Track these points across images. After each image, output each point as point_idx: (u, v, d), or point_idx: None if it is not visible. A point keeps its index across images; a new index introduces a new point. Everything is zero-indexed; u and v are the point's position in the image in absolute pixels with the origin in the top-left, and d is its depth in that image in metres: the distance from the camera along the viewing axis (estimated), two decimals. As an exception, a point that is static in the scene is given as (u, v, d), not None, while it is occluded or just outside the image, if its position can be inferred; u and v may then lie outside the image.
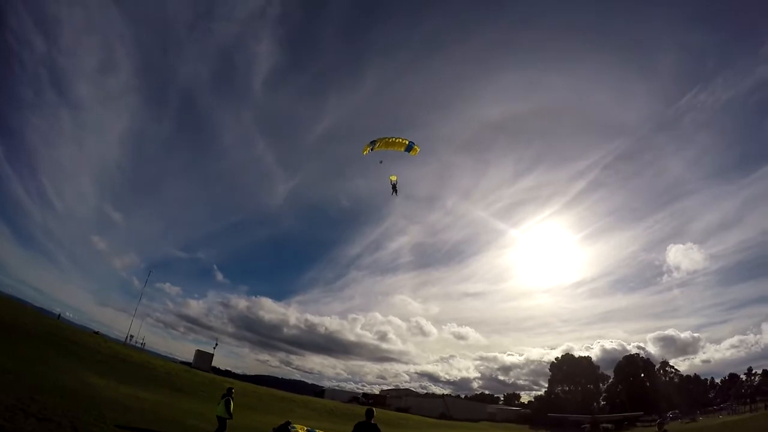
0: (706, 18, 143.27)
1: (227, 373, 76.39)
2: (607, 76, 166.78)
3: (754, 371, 77.43)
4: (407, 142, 22.73)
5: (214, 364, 63.50)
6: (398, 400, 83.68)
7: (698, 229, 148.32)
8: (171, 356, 73.85)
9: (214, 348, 65.96)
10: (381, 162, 23.37)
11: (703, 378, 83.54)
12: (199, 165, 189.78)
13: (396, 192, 23.75)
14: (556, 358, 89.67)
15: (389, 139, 22.59)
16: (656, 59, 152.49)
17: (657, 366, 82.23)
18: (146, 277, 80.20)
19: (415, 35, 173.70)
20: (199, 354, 61.38)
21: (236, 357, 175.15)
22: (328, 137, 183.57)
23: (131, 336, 63.07)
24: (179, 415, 17.64)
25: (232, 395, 14.13)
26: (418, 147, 22.99)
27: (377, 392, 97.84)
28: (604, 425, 60.76)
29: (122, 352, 35.86)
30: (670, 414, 59.72)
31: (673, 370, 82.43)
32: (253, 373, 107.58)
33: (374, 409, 8.09)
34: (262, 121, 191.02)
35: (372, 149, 22.61)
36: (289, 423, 17.33)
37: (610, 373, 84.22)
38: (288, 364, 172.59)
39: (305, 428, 23.04)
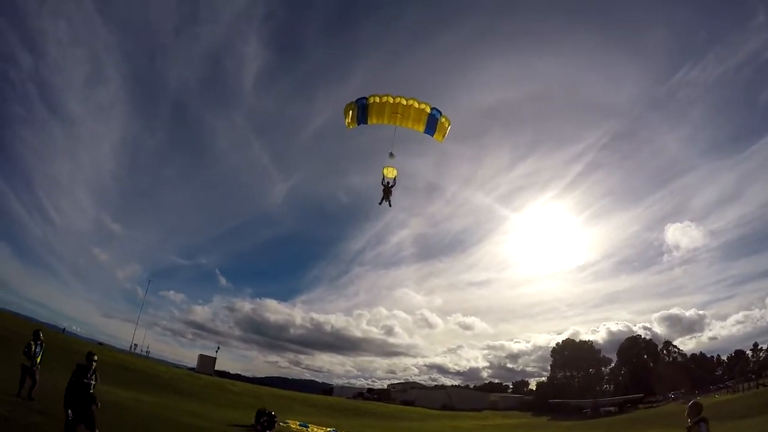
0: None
1: (237, 377, 77.73)
2: (596, 56, 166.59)
3: (759, 347, 77.64)
4: (429, 110, 14.53)
5: (223, 368, 65.32)
6: (403, 393, 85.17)
7: (698, 206, 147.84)
8: (180, 363, 75.31)
9: (217, 352, 67.67)
10: (392, 155, 15.67)
11: (709, 356, 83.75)
12: (195, 170, 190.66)
13: (389, 199, 16.27)
14: (557, 344, 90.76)
15: (392, 99, 14.42)
16: (646, 37, 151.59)
17: (660, 346, 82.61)
18: (147, 286, 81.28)
19: (399, 27, 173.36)
20: (202, 358, 62.97)
21: (245, 360, 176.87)
22: (321, 134, 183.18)
23: (135, 345, 64.66)
24: (175, 414, 18.96)
25: (40, 339, 13.57)
26: (448, 120, 15.13)
27: (385, 387, 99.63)
28: (606, 408, 61.88)
29: (126, 361, 37.28)
30: (671, 395, 60.37)
31: (676, 350, 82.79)
32: (262, 375, 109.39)
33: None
34: (255, 122, 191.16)
35: (361, 121, 15.07)
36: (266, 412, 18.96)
37: (616, 355, 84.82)
38: (297, 364, 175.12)
39: (297, 423, 24.57)
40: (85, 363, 9.01)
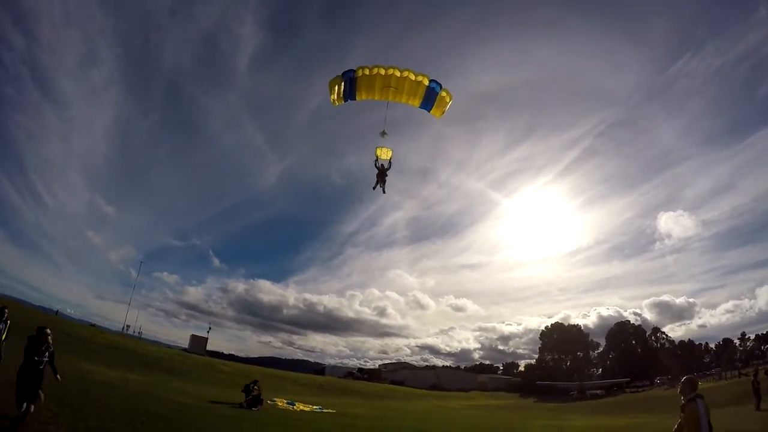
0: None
1: (230, 357, 78.51)
2: (596, 43, 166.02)
3: (747, 336, 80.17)
4: (427, 83, 13.17)
5: (217, 348, 66.00)
6: (393, 373, 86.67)
7: (692, 196, 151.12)
8: (173, 343, 75.90)
9: (208, 332, 68.48)
10: (384, 133, 14.47)
11: (697, 343, 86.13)
12: (188, 152, 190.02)
13: (383, 184, 14.94)
14: (546, 327, 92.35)
15: (383, 71, 12.93)
16: (646, 26, 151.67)
17: (649, 332, 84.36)
18: (139, 268, 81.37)
19: (398, 9, 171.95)
20: (194, 338, 63.65)
21: (239, 340, 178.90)
22: (316, 116, 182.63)
23: (128, 326, 65.07)
24: (162, 391, 19.33)
25: (5, 316, 13.12)
26: (449, 94, 13.72)
27: (376, 367, 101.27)
28: (592, 392, 63.32)
29: (117, 341, 37.61)
30: (657, 380, 61.48)
31: (664, 336, 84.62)
32: (256, 356, 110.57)
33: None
34: (249, 104, 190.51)
35: (349, 96, 13.73)
36: (255, 381, 20.14)
37: (604, 340, 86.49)
38: (290, 344, 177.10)
39: (285, 401, 25.14)
40: (36, 335, 8.59)
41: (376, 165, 15.11)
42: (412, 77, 12.94)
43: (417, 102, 13.70)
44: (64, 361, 21.59)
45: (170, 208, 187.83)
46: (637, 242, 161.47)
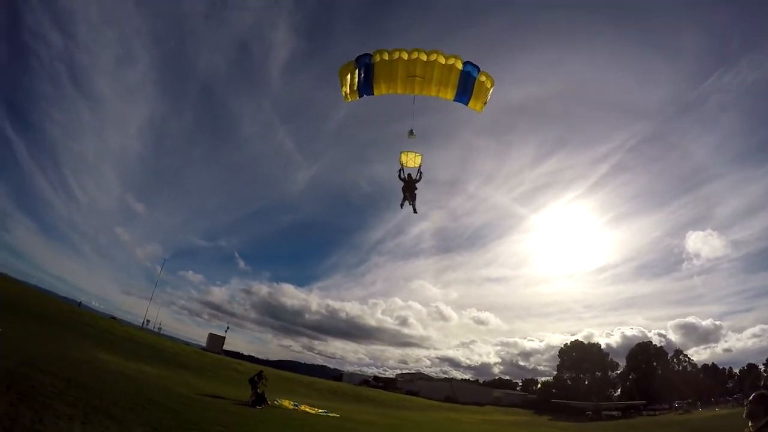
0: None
1: (250, 359, 79.72)
2: (628, 57, 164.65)
3: None
4: (461, 66, 10.82)
5: (237, 349, 67.36)
6: (409, 383, 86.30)
7: (723, 215, 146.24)
8: (194, 341, 77.70)
9: (226, 331, 69.75)
10: (412, 133, 11.98)
11: (721, 368, 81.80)
12: (220, 154, 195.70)
13: (413, 199, 12.41)
14: (565, 344, 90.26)
15: (406, 56, 10.68)
16: (679, 39, 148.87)
17: (671, 354, 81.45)
18: (162, 264, 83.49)
19: (430, 17, 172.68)
20: (212, 337, 65.08)
21: (260, 342, 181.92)
22: (347, 122, 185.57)
23: (148, 321, 66.91)
24: (172, 384, 19.97)
25: None
26: (489, 78, 11.22)
27: (393, 376, 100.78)
28: (607, 412, 61.53)
29: (136, 335, 38.97)
30: (676, 404, 59.45)
31: (686, 359, 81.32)
32: (276, 359, 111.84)
33: None
34: (280, 109, 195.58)
35: (365, 90, 11.40)
36: (261, 373, 20.76)
37: (625, 360, 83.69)
38: (311, 349, 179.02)
39: (291, 402, 25.48)
40: None
41: (400, 176, 12.44)
42: (442, 60, 10.60)
43: (450, 93, 11.20)
44: (82, 349, 22.64)
45: (199, 209, 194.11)
46: (666, 261, 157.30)
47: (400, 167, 12.43)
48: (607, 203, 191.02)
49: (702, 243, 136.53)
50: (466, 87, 11.10)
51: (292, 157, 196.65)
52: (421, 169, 12.34)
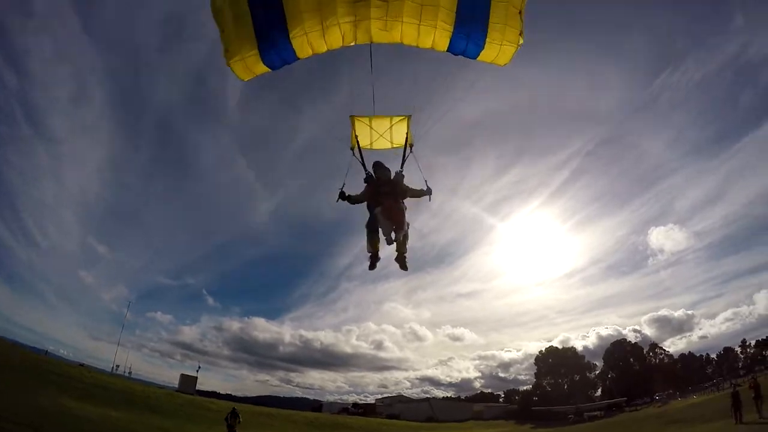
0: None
1: (228, 397, 76.85)
2: (579, 63, 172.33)
3: (748, 342, 79.52)
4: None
5: (213, 388, 65.29)
6: (389, 407, 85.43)
7: (683, 208, 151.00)
8: (167, 384, 74.91)
9: (197, 371, 67.98)
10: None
11: (698, 355, 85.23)
12: (180, 190, 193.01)
13: (402, 260, 8.22)
14: (540, 352, 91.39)
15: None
16: (626, 43, 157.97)
17: (646, 349, 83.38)
18: (127, 306, 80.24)
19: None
20: (184, 378, 63.15)
21: (235, 380, 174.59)
22: (307, 150, 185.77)
23: (117, 366, 64.56)
24: (139, 427, 20.12)
25: None
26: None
27: (373, 402, 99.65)
28: (590, 413, 62.54)
29: (105, 381, 37.93)
30: (656, 396, 60.83)
31: (662, 352, 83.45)
32: (254, 395, 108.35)
33: None
34: (239, 140, 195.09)
35: (279, 52, 6.34)
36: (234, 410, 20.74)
37: (602, 360, 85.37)
38: (288, 382, 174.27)
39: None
40: None
41: (366, 178, 7.38)
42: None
43: (444, 32, 6.43)
44: (49, 397, 22.40)
45: (162, 247, 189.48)
46: (632, 259, 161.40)
47: (366, 174, 7.17)
48: (570, 208, 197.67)
49: (664, 238, 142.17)
50: (476, 14, 6.13)
51: (253, 188, 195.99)
52: (413, 149, 7.11)
